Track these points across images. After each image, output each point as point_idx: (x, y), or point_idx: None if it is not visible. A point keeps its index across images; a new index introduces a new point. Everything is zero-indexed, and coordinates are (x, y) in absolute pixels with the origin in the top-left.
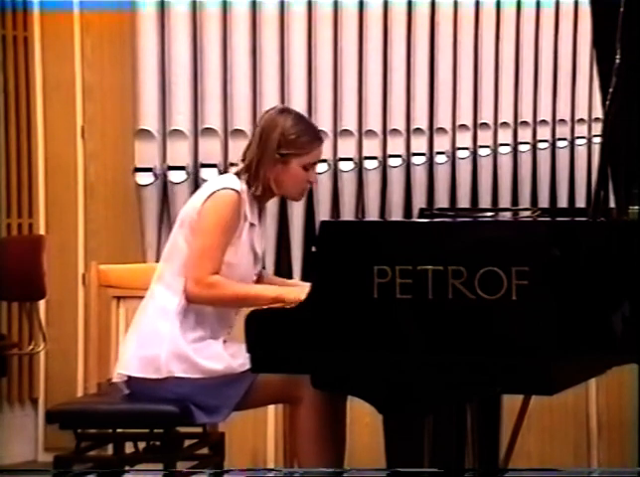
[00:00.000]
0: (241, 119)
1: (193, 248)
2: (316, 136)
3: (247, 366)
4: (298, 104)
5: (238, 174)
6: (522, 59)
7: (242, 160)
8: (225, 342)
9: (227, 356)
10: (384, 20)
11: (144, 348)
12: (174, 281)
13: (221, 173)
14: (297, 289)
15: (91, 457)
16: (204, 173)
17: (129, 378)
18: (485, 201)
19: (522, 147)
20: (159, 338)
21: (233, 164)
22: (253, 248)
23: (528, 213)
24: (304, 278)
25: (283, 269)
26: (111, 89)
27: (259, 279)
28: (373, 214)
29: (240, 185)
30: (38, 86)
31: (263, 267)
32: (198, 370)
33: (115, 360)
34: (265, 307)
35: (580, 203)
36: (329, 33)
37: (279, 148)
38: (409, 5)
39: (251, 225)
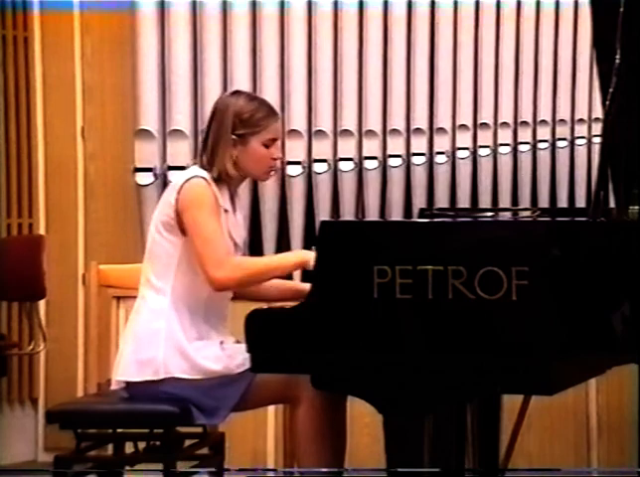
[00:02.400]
0: None
1: (196, 242)
2: (271, 112)
3: (245, 367)
4: (298, 104)
5: (201, 165)
6: (522, 59)
7: (201, 151)
8: (222, 343)
9: (224, 357)
10: (384, 20)
11: (141, 351)
12: (159, 283)
13: None
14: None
15: (91, 457)
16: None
17: (127, 384)
18: (485, 201)
19: (522, 147)
20: (156, 339)
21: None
22: (231, 236)
23: (528, 213)
24: (304, 278)
25: None
26: (111, 90)
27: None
28: (373, 214)
29: (207, 174)
30: (38, 86)
31: None
32: (197, 370)
33: (115, 360)
34: (266, 307)
35: (580, 203)
36: (329, 33)
37: (235, 129)
38: (409, 5)
39: (225, 211)
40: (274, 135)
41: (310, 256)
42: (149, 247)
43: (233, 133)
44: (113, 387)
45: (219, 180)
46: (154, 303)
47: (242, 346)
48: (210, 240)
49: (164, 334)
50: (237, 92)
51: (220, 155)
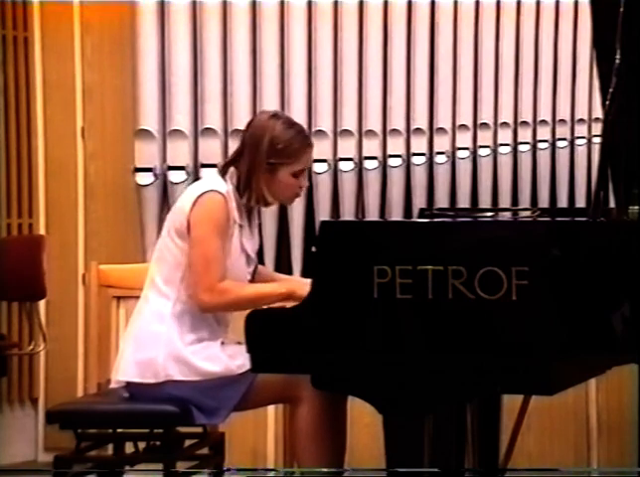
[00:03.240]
0: (241, 119)
1: (195, 258)
2: (305, 143)
3: (246, 367)
4: (298, 104)
5: (222, 175)
6: (522, 58)
7: (227, 163)
8: (223, 343)
9: (225, 357)
10: (384, 20)
11: (141, 352)
12: (165, 287)
13: None
14: (307, 285)
15: (91, 457)
16: (204, 173)
17: (128, 383)
18: (485, 201)
19: (522, 147)
20: (156, 341)
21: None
22: (244, 250)
23: (528, 213)
24: (305, 277)
25: (283, 269)
26: (111, 90)
27: (260, 277)
28: (373, 214)
29: (226, 186)
30: (38, 86)
31: (262, 264)
32: (196, 372)
33: (115, 360)
34: (265, 307)
35: (580, 203)
36: (329, 33)
37: (268, 158)
38: (409, 5)
39: (240, 226)
40: (305, 166)
41: (300, 291)
42: (159, 249)
43: (266, 161)
44: (113, 385)
45: (248, 200)
46: (157, 306)
47: (243, 347)
48: (208, 262)
49: (164, 338)
50: (274, 116)
51: (255, 181)
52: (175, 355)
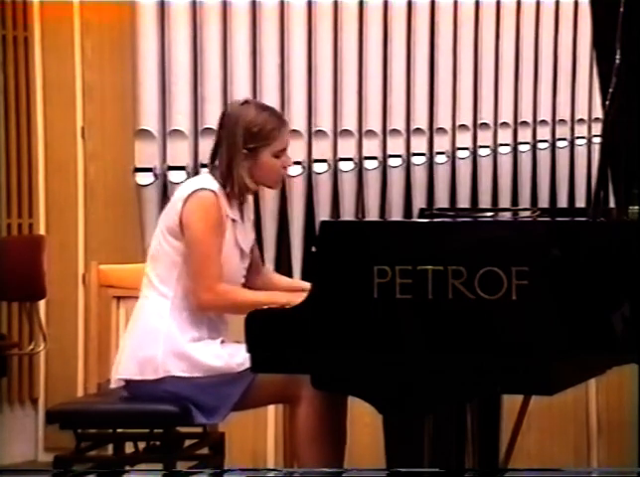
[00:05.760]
0: None
1: (193, 259)
2: (280, 122)
3: (246, 365)
4: (298, 104)
5: (212, 173)
6: (522, 58)
7: (211, 160)
8: (223, 342)
9: (226, 355)
10: (384, 19)
11: (140, 349)
12: (162, 286)
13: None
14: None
15: (91, 457)
16: (204, 173)
17: (127, 382)
18: (485, 201)
19: (522, 147)
20: (155, 338)
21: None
22: (238, 244)
23: (528, 213)
24: (304, 278)
25: (283, 269)
26: (111, 90)
27: (266, 279)
28: (373, 214)
29: (216, 183)
30: (38, 86)
31: (262, 264)
32: (196, 368)
33: (115, 359)
34: (266, 307)
35: (580, 203)
36: (329, 33)
37: (246, 143)
38: (409, 5)
39: (233, 221)
40: (285, 145)
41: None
42: (153, 249)
43: (244, 147)
44: (113, 385)
45: (232, 191)
46: (156, 304)
47: (243, 345)
48: (205, 260)
49: (163, 334)
50: (246, 103)
51: (236, 170)
52: (175, 351)
